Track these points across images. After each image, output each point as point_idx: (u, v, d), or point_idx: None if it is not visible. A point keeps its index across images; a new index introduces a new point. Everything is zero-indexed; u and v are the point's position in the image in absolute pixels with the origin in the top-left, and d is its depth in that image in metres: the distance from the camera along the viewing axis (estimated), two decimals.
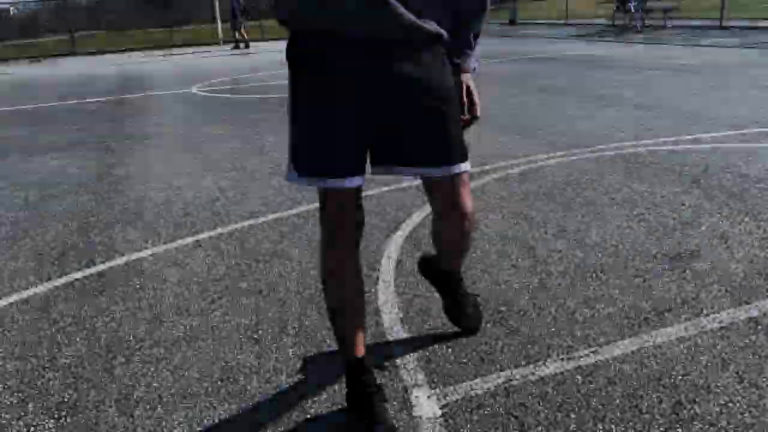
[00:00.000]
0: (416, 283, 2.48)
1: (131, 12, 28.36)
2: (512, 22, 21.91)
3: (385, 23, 1.40)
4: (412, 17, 1.42)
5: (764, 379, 1.77)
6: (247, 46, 18.18)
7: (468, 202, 1.64)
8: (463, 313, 2.05)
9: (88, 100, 8.80)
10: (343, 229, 1.58)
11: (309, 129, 1.50)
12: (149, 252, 3.01)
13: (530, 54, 11.80)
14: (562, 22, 20.70)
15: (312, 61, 1.47)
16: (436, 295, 2.38)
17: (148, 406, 1.83)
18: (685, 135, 4.64)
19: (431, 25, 1.47)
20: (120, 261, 2.92)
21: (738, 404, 1.68)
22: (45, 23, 28.06)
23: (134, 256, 2.97)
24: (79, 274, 2.80)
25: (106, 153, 5.26)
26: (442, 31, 1.51)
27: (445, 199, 1.63)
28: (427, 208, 3.35)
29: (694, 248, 2.67)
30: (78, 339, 2.24)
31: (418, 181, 4.05)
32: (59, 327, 2.34)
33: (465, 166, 1.59)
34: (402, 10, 1.40)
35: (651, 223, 2.99)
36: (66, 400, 1.90)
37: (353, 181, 1.51)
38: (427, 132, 1.52)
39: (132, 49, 20.36)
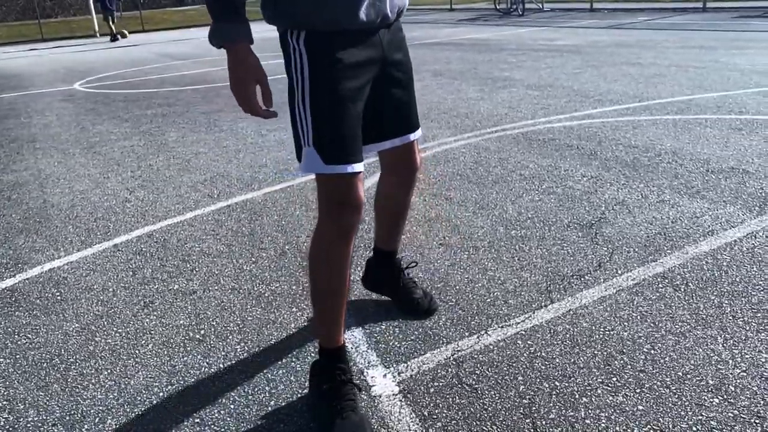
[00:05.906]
0: (354, 269, 2.53)
1: None
2: None
3: (378, 11, 1.53)
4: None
5: (677, 326, 1.99)
6: (114, 39, 17.93)
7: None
8: (418, 299, 2.17)
9: None
10: (355, 214, 1.57)
11: (332, 117, 1.51)
12: (63, 261, 2.84)
13: (419, 40, 12.07)
14: (447, 7, 21.28)
15: (326, 50, 1.51)
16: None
17: (97, 419, 1.76)
18: (576, 112, 4.99)
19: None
20: (32, 273, 2.74)
21: (658, 350, 1.88)
22: None
23: (47, 266, 2.80)
24: None
25: None
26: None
27: (406, 162, 1.86)
28: None
29: (600, 215, 2.91)
30: (1, 359, 2.10)
31: None
32: None
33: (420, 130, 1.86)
34: None
35: (559, 195, 3.21)
36: (2, 424, 1.78)
37: (361, 165, 1.57)
38: (403, 102, 1.74)
39: None
